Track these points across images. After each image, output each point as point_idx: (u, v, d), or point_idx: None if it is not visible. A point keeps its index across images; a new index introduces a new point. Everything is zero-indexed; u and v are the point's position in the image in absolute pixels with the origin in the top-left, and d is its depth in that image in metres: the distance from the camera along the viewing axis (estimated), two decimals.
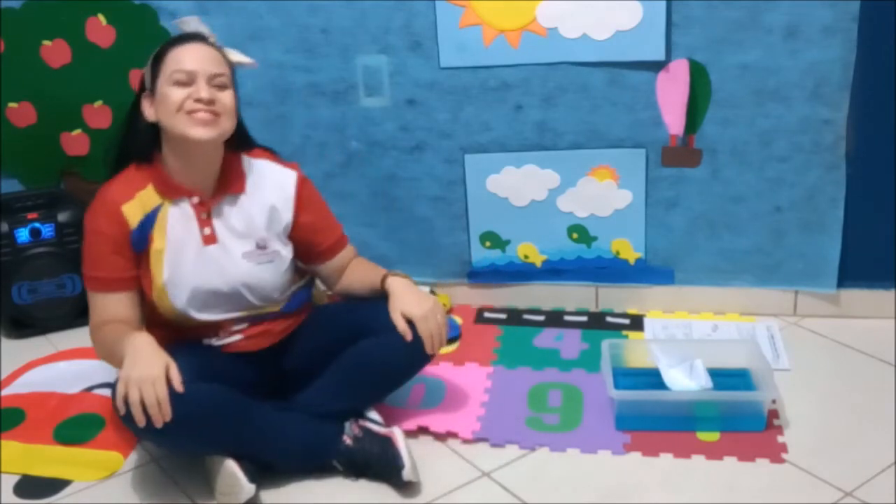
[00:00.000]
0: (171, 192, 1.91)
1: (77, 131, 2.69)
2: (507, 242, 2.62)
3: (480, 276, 2.68)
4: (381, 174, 2.57)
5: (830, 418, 2.10)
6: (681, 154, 2.44)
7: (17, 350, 2.58)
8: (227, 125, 1.88)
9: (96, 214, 1.90)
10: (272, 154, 2.07)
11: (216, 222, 1.94)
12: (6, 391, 2.35)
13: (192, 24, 1.93)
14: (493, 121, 2.47)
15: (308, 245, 2.06)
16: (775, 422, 2.07)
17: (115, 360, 1.84)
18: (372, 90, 2.49)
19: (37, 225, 2.63)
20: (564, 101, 2.42)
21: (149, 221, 1.90)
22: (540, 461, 2.00)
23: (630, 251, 2.58)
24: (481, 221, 2.60)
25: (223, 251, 1.94)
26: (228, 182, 1.95)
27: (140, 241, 1.89)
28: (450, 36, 2.39)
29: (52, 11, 2.57)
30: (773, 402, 2.09)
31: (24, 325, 2.67)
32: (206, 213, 1.93)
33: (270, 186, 2.00)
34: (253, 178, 1.99)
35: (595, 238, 2.58)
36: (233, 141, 1.95)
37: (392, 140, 2.53)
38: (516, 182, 2.54)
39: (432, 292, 2.63)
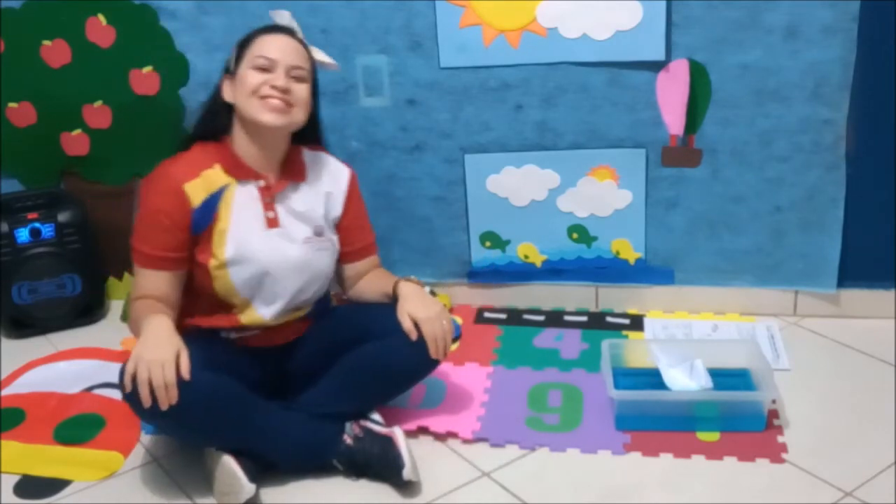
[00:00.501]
0: (241, 172, 1.96)
1: (77, 131, 2.69)
2: (507, 242, 2.62)
3: (480, 276, 2.68)
4: (381, 174, 2.57)
5: (830, 418, 2.10)
6: (681, 154, 2.44)
7: (17, 350, 2.58)
8: (298, 116, 1.95)
9: (157, 191, 1.92)
10: (326, 150, 2.14)
11: (279, 207, 1.99)
12: (6, 391, 2.35)
13: (285, 17, 2.00)
14: (493, 121, 2.47)
15: (342, 242, 2.10)
16: (775, 422, 2.07)
17: (137, 330, 1.87)
18: (372, 90, 2.49)
19: (37, 225, 2.63)
20: (564, 101, 2.42)
21: (213, 200, 1.93)
22: (540, 461, 2.00)
23: (630, 251, 2.58)
24: (481, 221, 2.60)
25: (285, 235, 1.98)
26: (291, 169, 2.01)
27: (202, 221, 1.92)
28: (450, 36, 2.39)
29: (52, 11, 2.57)
30: (773, 402, 2.09)
31: (24, 325, 2.67)
32: (270, 198, 1.97)
33: (327, 177, 2.07)
34: (313, 167, 2.06)
35: (595, 238, 2.58)
36: (304, 135, 2.02)
37: (392, 140, 2.53)
38: (516, 182, 2.54)
39: (432, 293, 2.63)
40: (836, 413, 2.12)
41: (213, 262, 1.93)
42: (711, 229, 2.52)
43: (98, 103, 2.65)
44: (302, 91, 1.94)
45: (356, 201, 2.12)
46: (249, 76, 1.90)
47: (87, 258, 2.69)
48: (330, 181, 2.07)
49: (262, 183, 1.97)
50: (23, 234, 2.62)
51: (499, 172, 2.53)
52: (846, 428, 2.06)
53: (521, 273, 2.66)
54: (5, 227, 2.61)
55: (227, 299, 1.97)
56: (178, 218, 1.90)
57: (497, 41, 2.38)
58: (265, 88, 1.89)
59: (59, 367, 2.48)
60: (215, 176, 1.94)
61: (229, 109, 1.96)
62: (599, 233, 2.57)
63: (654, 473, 1.94)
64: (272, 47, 1.92)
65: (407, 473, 1.86)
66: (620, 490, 1.90)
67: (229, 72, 1.97)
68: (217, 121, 1.98)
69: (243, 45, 1.96)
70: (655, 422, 2.06)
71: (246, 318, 1.99)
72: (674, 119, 2.40)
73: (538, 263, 2.64)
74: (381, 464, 1.90)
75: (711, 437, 2.04)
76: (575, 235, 2.59)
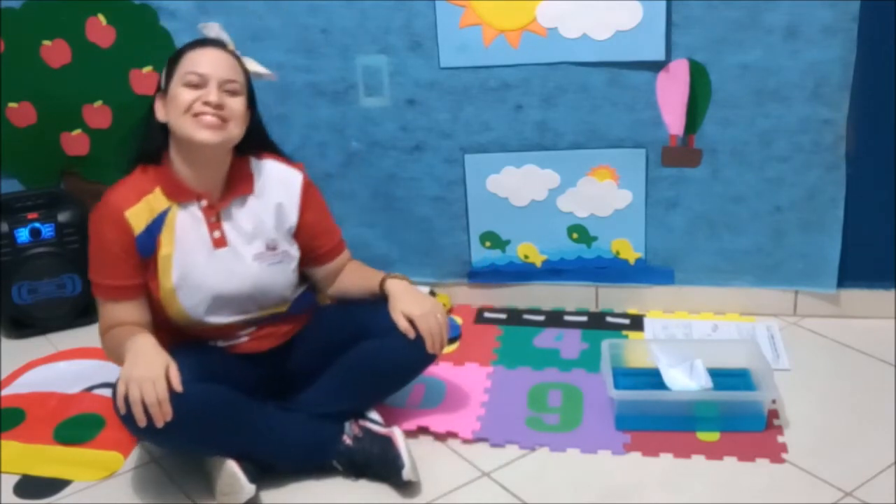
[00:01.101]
0: (180, 194, 1.90)
1: (77, 131, 2.69)
2: (507, 242, 2.62)
3: (480, 276, 2.68)
4: (381, 174, 2.57)
5: (830, 418, 2.10)
6: (681, 154, 2.44)
7: (17, 350, 2.58)
8: (234, 131, 1.88)
9: (100, 220, 1.90)
10: (278, 153, 2.06)
11: (226, 225, 1.93)
12: (6, 391, 2.35)
13: (214, 30, 1.94)
14: (493, 121, 2.47)
15: (307, 248, 2.06)
16: (775, 422, 2.07)
17: (122, 361, 1.84)
18: (372, 90, 2.49)
19: (37, 225, 2.63)
20: (564, 101, 2.42)
21: (156, 225, 1.89)
22: (540, 461, 2.00)
23: (630, 251, 2.58)
24: (481, 221, 2.60)
25: (234, 254, 1.93)
26: (236, 184, 1.95)
27: (146, 246, 1.88)
28: (450, 36, 2.39)
29: (52, 11, 2.57)
30: (773, 402, 2.09)
31: (24, 325, 2.67)
32: (215, 217, 1.92)
33: (277, 186, 2.00)
34: (260, 178, 1.99)
35: (595, 238, 2.58)
36: (248, 145, 1.96)
37: (392, 140, 2.53)
38: (516, 182, 2.54)
39: (432, 293, 2.63)
40: (836, 413, 2.12)
41: (161, 291, 1.90)
42: (711, 229, 2.52)
43: (98, 103, 2.65)
44: (236, 104, 1.87)
45: (314, 203, 2.05)
46: (181, 94, 1.84)
47: (87, 258, 2.68)
48: (281, 191, 1.99)
49: (204, 203, 1.91)
50: (23, 234, 2.62)
51: (499, 172, 2.53)
52: (846, 428, 2.06)
53: (521, 273, 2.66)
54: (5, 227, 2.61)
55: (185, 324, 1.95)
56: (125, 246, 1.87)
57: (497, 41, 2.38)
58: (197, 105, 1.82)
59: (59, 367, 2.48)
60: (156, 200, 1.89)
61: (164, 129, 1.90)
62: (599, 233, 2.57)
63: (654, 473, 1.94)
64: (202, 62, 1.85)
65: (406, 473, 1.86)
66: (620, 490, 1.90)
67: (161, 90, 1.90)
68: (153, 142, 1.91)
69: (173, 61, 1.89)
70: (655, 422, 2.06)
71: (219, 332, 1.98)
72: (674, 119, 2.40)
73: (538, 263, 2.64)
74: (380, 464, 1.90)
75: (711, 437, 2.04)
76: (575, 235, 2.59)
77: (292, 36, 2.47)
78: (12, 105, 2.67)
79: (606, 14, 2.30)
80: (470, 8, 2.36)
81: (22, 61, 2.62)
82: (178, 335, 1.96)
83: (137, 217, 1.88)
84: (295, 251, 2.02)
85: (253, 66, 1.96)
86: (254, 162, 2.00)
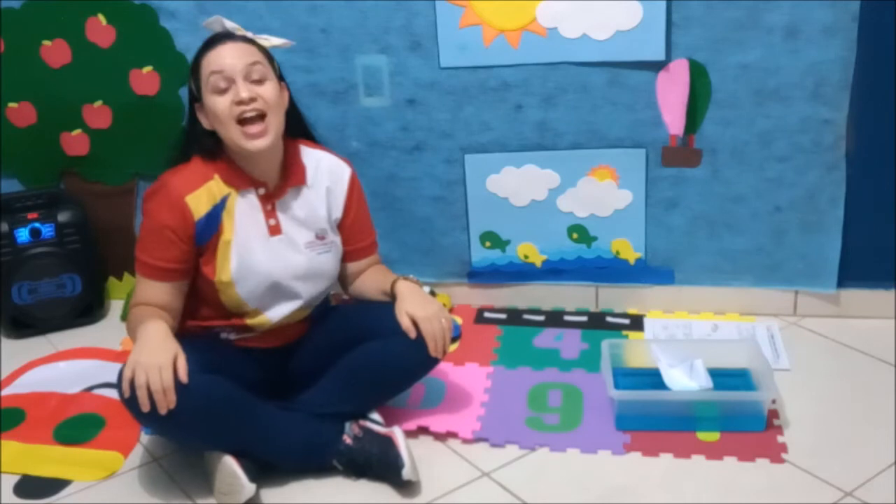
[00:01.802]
0: (240, 182, 1.94)
1: (77, 131, 2.69)
2: (507, 242, 2.62)
3: (480, 276, 2.68)
4: (381, 174, 2.57)
5: (830, 418, 2.10)
6: (681, 154, 2.44)
7: (17, 350, 2.58)
8: (275, 124, 1.89)
9: (159, 204, 1.91)
10: (326, 148, 2.10)
11: (281, 214, 1.97)
12: (6, 391, 2.35)
13: (218, 23, 1.94)
14: (493, 121, 2.47)
15: (344, 242, 2.09)
16: (775, 422, 2.07)
17: (134, 335, 1.87)
18: (372, 90, 2.49)
19: (37, 225, 2.63)
20: (564, 101, 2.42)
21: (217, 211, 1.92)
22: (540, 461, 2.00)
23: (630, 251, 2.58)
24: (481, 221, 2.60)
25: (288, 242, 1.97)
26: (291, 174, 1.98)
27: (206, 232, 1.91)
28: (450, 36, 2.39)
29: (52, 11, 2.57)
30: (773, 402, 2.09)
31: (24, 325, 2.67)
32: (271, 205, 1.96)
33: (328, 177, 2.04)
34: (313, 169, 2.02)
35: (595, 238, 2.58)
36: (288, 128, 1.98)
37: (392, 140, 2.53)
38: (516, 182, 2.54)
39: (432, 293, 2.63)
40: (836, 413, 2.12)
41: (218, 279, 1.93)
42: (711, 229, 2.51)
43: (98, 103, 2.65)
44: (268, 90, 1.88)
45: (357, 200, 2.09)
46: (215, 103, 1.85)
47: (87, 258, 2.69)
48: (331, 180, 2.05)
49: (262, 191, 1.96)
50: (23, 234, 2.62)
51: (499, 172, 2.53)
52: (846, 428, 2.06)
53: (521, 273, 2.66)
54: (5, 227, 2.61)
55: (234, 310, 1.97)
56: (182, 231, 1.89)
57: (497, 41, 2.38)
58: (236, 110, 1.84)
59: (59, 367, 2.48)
60: (216, 187, 1.93)
61: (212, 134, 1.92)
62: (599, 233, 2.57)
63: (654, 473, 1.94)
64: (220, 60, 1.86)
65: (407, 473, 1.86)
66: (620, 490, 1.90)
67: (196, 100, 1.92)
68: (205, 146, 1.93)
69: (195, 70, 1.90)
70: (655, 422, 2.06)
71: (253, 321, 1.99)
72: (674, 119, 2.40)
73: (538, 263, 2.64)
74: (380, 464, 1.90)
75: (711, 437, 2.03)
76: (575, 235, 2.59)
77: (292, 36, 2.44)
78: (12, 105, 2.67)
79: (606, 14, 2.30)
80: (470, 8, 2.36)
81: (22, 61, 2.62)
82: (196, 322, 1.98)
83: (198, 202, 1.90)
84: (339, 242, 2.07)
85: (267, 41, 1.96)
86: (307, 151, 2.03)
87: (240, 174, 1.94)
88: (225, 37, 1.91)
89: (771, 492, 1.86)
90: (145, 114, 2.62)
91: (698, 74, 2.35)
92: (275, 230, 1.97)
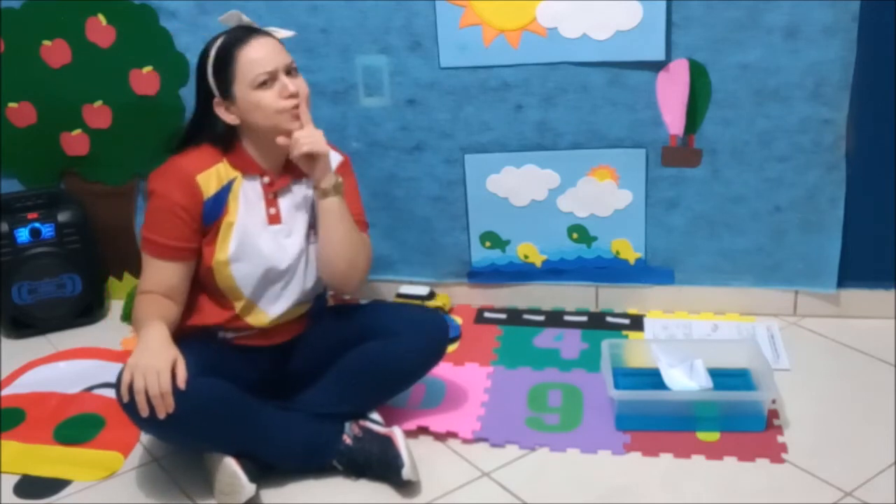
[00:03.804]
0: (247, 168, 1.96)
1: (77, 131, 2.69)
2: (507, 242, 2.62)
3: (480, 276, 2.68)
4: (381, 174, 2.57)
5: (830, 418, 2.10)
6: (681, 154, 2.44)
7: (17, 350, 2.58)
8: (309, 109, 1.93)
9: (168, 181, 1.92)
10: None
11: (281, 202, 1.98)
12: (6, 391, 2.35)
13: (236, 17, 1.95)
14: (493, 121, 2.47)
15: None
16: (775, 422, 2.07)
17: (137, 329, 1.89)
18: (372, 90, 2.49)
19: (37, 225, 2.63)
20: (564, 101, 2.42)
21: (224, 192, 1.93)
22: (540, 461, 2.00)
23: (630, 251, 2.58)
24: (481, 221, 2.60)
25: (286, 231, 1.98)
26: (294, 166, 1.98)
27: (212, 212, 1.92)
28: (450, 36, 2.39)
29: (52, 11, 2.57)
30: (773, 402, 2.09)
31: (24, 325, 2.67)
32: (273, 194, 1.98)
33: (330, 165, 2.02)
34: None
35: (595, 238, 2.58)
36: None
37: (392, 140, 2.53)
38: (516, 182, 2.54)
39: (432, 293, 2.63)
40: (836, 413, 2.12)
41: (216, 258, 1.93)
42: (711, 229, 2.51)
43: (98, 103, 2.65)
44: (303, 83, 1.93)
45: (343, 178, 2.02)
46: (263, 98, 1.88)
47: (87, 258, 2.69)
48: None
49: (266, 179, 1.97)
50: (23, 234, 2.62)
51: (499, 172, 2.53)
52: (846, 428, 2.06)
53: (521, 273, 2.66)
54: (5, 227, 2.61)
55: (229, 295, 1.97)
56: (192, 208, 1.90)
57: (497, 41, 2.38)
58: (284, 104, 1.88)
59: (59, 367, 2.48)
60: (224, 170, 1.95)
61: (230, 128, 1.94)
62: (599, 233, 2.57)
63: (654, 473, 1.94)
64: (261, 58, 1.88)
65: (406, 473, 1.86)
66: (620, 490, 1.90)
67: (221, 96, 1.90)
68: (222, 139, 1.94)
69: (224, 65, 1.89)
70: (655, 422, 2.06)
71: (250, 318, 1.99)
72: (674, 119, 2.40)
73: (538, 263, 2.64)
74: (380, 464, 1.90)
75: (711, 437, 2.04)
76: (575, 235, 2.59)
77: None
78: (12, 105, 2.67)
79: (606, 14, 2.30)
80: (470, 8, 2.36)
81: (22, 61, 2.62)
82: (194, 318, 1.97)
83: (208, 181, 1.92)
84: None
85: (279, 34, 1.98)
86: None
87: (248, 161, 1.96)
88: (250, 31, 1.92)
89: (771, 492, 1.87)
90: (145, 114, 2.62)
91: (698, 74, 2.35)
92: (274, 219, 1.98)
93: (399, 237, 2.65)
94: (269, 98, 1.88)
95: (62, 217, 2.65)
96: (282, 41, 1.95)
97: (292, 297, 2.01)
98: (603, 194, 2.52)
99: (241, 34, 1.91)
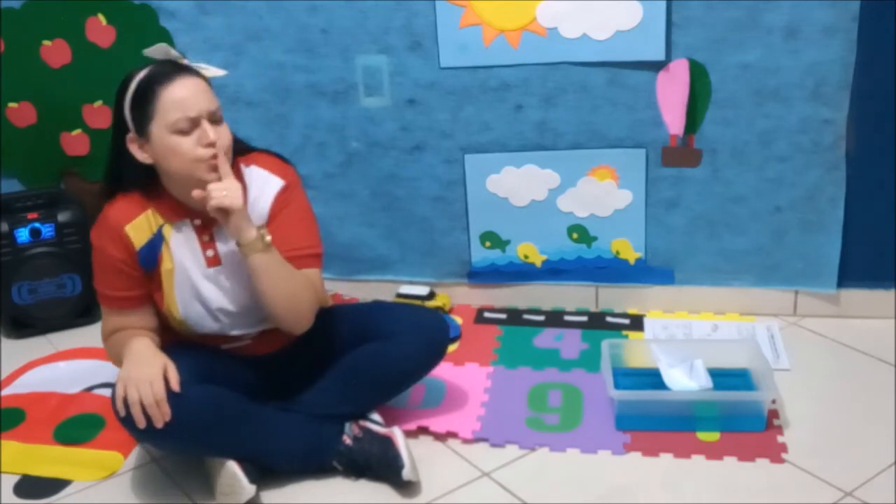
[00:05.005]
0: (172, 214, 1.88)
1: (77, 131, 2.69)
2: (507, 242, 2.62)
3: (480, 276, 2.68)
4: (381, 174, 2.57)
5: (830, 418, 2.10)
6: (681, 154, 2.44)
7: (17, 350, 2.58)
8: (229, 157, 1.83)
9: (101, 235, 1.89)
10: (271, 155, 2.00)
11: (219, 243, 1.90)
12: (6, 391, 2.35)
13: (162, 51, 1.84)
14: (493, 121, 2.47)
15: None
16: (775, 422, 2.07)
17: (119, 360, 1.87)
18: (372, 90, 2.49)
19: (37, 225, 2.63)
20: (564, 101, 2.42)
21: (156, 241, 1.87)
22: (540, 461, 2.00)
23: (630, 251, 2.58)
24: (481, 221, 2.60)
25: (228, 272, 1.90)
26: None
27: (148, 260, 1.88)
28: (450, 36, 2.39)
29: (52, 11, 2.57)
30: (773, 402, 2.09)
31: (24, 325, 2.67)
32: (208, 236, 1.90)
33: (264, 197, 1.92)
34: (251, 189, 1.91)
35: (595, 238, 2.58)
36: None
37: (392, 140, 2.53)
38: (516, 182, 2.54)
39: (432, 293, 2.63)
40: (836, 413, 2.12)
41: (165, 304, 1.89)
42: (711, 229, 2.51)
43: (98, 103, 2.65)
44: (226, 132, 1.82)
45: (282, 208, 1.92)
46: (179, 144, 1.76)
47: (87, 258, 2.65)
48: (259, 192, 1.91)
49: (197, 222, 1.88)
50: (23, 234, 2.62)
51: (499, 172, 2.53)
52: (846, 428, 2.06)
53: (521, 273, 2.66)
54: (5, 227, 2.61)
55: (189, 333, 1.94)
56: (127, 260, 1.86)
57: (497, 41, 2.38)
58: (203, 152, 1.76)
59: (59, 367, 2.48)
60: (153, 216, 1.86)
61: (146, 167, 1.83)
62: (599, 233, 2.57)
63: (654, 473, 1.94)
64: (185, 102, 1.75)
65: (406, 473, 1.86)
66: (620, 490, 1.90)
67: (136, 133, 1.80)
68: (136, 178, 1.84)
69: (142, 101, 1.77)
70: (655, 422, 2.06)
71: (226, 341, 1.97)
72: (674, 119, 2.40)
73: (538, 263, 2.64)
74: (380, 464, 1.90)
75: (711, 437, 2.04)
76: (575, 235, 2.59)
77: (292, 36, 2.47)
78: (12, 105, 2.67)
79: (606, 14, 2.30)
80: (470, 8, 2.36)
81: (22, 61, 2.62)
82: (182, 336, 1.96)
83: (138, 231, 1.86)
84: None
85: (209, 72, 1.87)
86: (245, 171, 1.92)
87: (173, 206, 1.86)
88: (178, 69, 1.80)
89: (771, 492, 1.86)
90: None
91: (698, 74, 2.35)
92: (213, 261, 1.89)
93: (399, 237, 2.65)
94: (187, 145, 1.76)
95: (62, 217, 2.65)
96: (212, 79, 1.84)
97: (264, 324, 1.96)
98: (603, 194, 2.52)
99: (168, 70, 1.79)
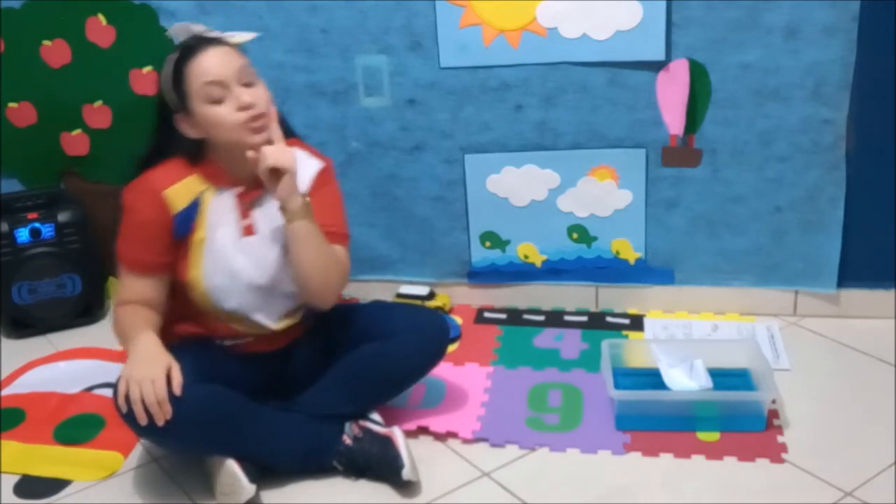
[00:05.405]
0: (218, 180, 1.91)
1: (77, 131, 2.69)
2: (507, 242, 2.62)
3: (480, 276, 2.68)
4: (381, 174, 2.57)
5: (830, 418, 2.10)
6: (681, 154, 2.44)
7: (17, 350, 2.58)
8: (273, 118, 1.87)
9: (137, 197, 1.89)
10: (304, 144, 2.04)
11: (256, 214, 1.93)
12: (6, 391, 2.35)
13: (184, 30, 1.89)
14: (493, 121, 2.47)
15: None
16: (775, 422, 2.07)
17: (124, 342, 1.87)
18: (372, 90, 2.49)
19: (37, 225, 2.63)
20: (564, 101, 2.42)
21: (194, 208, 1.89)
22: (540, 461, 2.00)
23: (630, 251, 2.58)
24: (481, 221, 2.60)
25: (261, 243, 1.93)
26: None
27: (182, 227, 1.89)
28: (450, 36, 2.39)
29: (52, 11, 2.57)
30: (773, 402, 2.09)
31: (24, 325, 2.67)
32: (247, 205, 1.93)
33: (304, 174, 1.96)
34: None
35: (595, 238, 2.58)
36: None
37: (392, 140, 2.53)
38: (516, 182, 2.54)
39: (432, 293, 2.63)
40: (836, 413, 2.12)
41: (190, 274, 1.90)
42: (711, 229, 2.51)
43: (98, 103, 2.65)
44: (262, 92, 1.85)
45: (320, 188, 1.98)
46: (217, 114, 1.81)
47: (87, 258, 2.70)
48: (303, 180, 1.95)
49: (239, 190, 1.92)
50: (23, 234, 2.62)
51: (499, 172, 2.53)
52: (846, 428, 2.06)
53: (521, 273, 2.66)
54: (5, 227, 2.61)
55: (209, 309, 1.94)
56: (160, 224, 1.87)
57: (497, 41, 2.38)
58: (241, 115, 1.80)
59: (59, 367, 2.48)
60: (194, 183, 1.90)
61: (196, 142, 1.88)
62: (599, 233, 2.57)
63: (654, 473, 1.94)
64: (210, 72, 1.80)
65: (406, 473, 1.86)
66: (620, 490, 1.90)
67: (179, 111, 1.85)
68: (188, 150, 1.89)
69: (177, 80, 1.82)
70: (655, 422, 2.06)
71: (244, 327, 1.98)
72: (674, 119, 2.40)
73: (538, 263, 2.64)
74: (380, 464, 1.90)
75: (711, 437, 2.04)
76: (575, 235, 2.59)
77: (292, 36, 2.47)
78: (12, 105, 2.67)
79: (606, 14, 2.30)
80: (470, 8, 2.36)
81: (22, 61, 2.62)
82: (188, 326, 1.96)
83: (177, 196, 1.88)
84: None
85: (236, 38, 1.90)
86: None
87: (220, 172, 1.91)
88: (201, 42, 1.85)
89: (771, 492, 1.86)
90: (145, 114, 2.60)
91: (698, 74, 2.35)
92: (248, 230, 1.92)
93: (399, 237, 2.65)
94: (224, 113, 1.81)
95: (62, 217, 2.65)
96: (241, 45, 1.88)
97: (286, 305, 1.99)
98: (603, 194, 2.52)
99: (192, 48, 1.83)
